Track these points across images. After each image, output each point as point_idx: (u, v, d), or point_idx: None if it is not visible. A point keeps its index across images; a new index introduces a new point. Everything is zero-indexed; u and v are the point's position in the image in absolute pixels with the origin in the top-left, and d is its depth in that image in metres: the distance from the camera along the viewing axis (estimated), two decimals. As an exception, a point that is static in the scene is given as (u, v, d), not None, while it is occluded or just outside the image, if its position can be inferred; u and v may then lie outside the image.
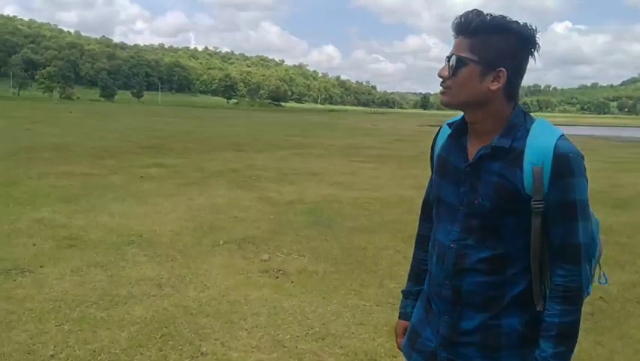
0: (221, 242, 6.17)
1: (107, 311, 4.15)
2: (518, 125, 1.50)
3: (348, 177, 11.88)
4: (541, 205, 1.44)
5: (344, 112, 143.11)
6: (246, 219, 7.42)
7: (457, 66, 1.46)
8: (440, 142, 1.69)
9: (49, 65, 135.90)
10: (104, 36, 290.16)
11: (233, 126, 31.93)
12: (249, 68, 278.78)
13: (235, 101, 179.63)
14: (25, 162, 11.68)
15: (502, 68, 1.45)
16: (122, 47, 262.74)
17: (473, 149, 1.54)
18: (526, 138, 1.46)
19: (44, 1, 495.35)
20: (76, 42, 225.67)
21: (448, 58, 1.49)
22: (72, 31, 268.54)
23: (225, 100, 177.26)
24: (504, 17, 1.45)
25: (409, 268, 1.89)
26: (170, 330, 3.89)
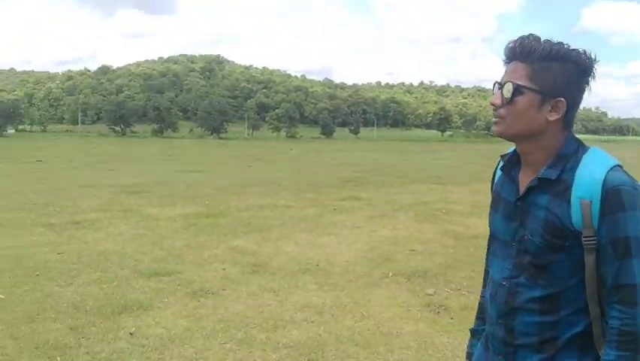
0: (390, 274, 6.24)
1: (267, 333, 4.48)
2: (569, 155, 1.42)
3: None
4: (593, 242, 1.34)
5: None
6: (423, 252, 7.38)
7: (514, 95, 1.39)
8: (496, 176, 1.64)
9: (278, 108, 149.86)
10: (326, 78, 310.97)
11: (439, 159, 31.81)
12: (464, 100, 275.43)
13: (450, 133, 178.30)
14: (237, 195, 13.03)
15: (561, 98, 1.38)
16: (342, 87, 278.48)
17: (525, 181, 1.47)
18: (577, 169, 1.38)
19: (276, 50, 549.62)
20: (302, 85, 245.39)
21: (501, 85, 1.42)
22: (299, 75, 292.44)
23: (440, 133, 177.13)
24: (563, 44, 1.39)
25: None
26: (317, 356, 4.07)
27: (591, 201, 1.32)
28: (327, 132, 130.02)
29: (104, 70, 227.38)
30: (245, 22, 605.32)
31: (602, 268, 1.35)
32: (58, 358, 3.97)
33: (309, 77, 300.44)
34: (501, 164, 1.59)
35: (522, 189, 1.47)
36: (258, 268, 6.47)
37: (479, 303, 1.81)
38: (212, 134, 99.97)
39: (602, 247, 1.33)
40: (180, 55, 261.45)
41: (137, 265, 6.48)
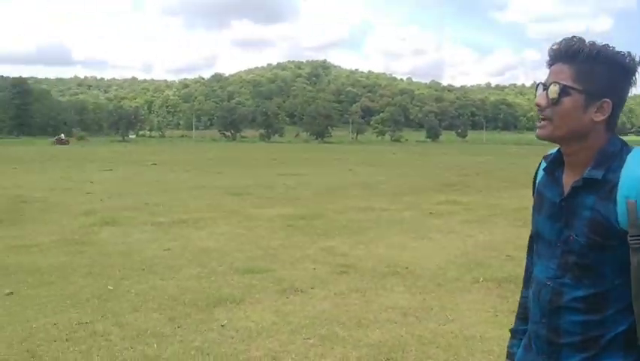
0: (481, 279, 6.11)
1: (350, 332, 4.57)
2: (614, 155, 1.40)
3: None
4: (638, 241, 1.32)
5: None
6: (517, 258, 7.13)
7: (560, 95, 1.39)
8: (539, 177, 1.63)
9: (382, 112, 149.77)
10: (433, 80, 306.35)
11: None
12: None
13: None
14: (335, 197, 13.26)
15: (607, 99, 1.38)
16: (450, 89, 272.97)
17: (569, 182, 1.47)
18: (622, 168, 1.37)
19: (382, 54, 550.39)
20: (408, 88, 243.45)
21: (545, 86, 1.43)
22: (404, 78, 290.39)
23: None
24: (608, 46, 1.39)
25: None
26: (397, 356, 4.10)
27: (636, 201, 1.32)
28: (433, 136, 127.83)
29: (217, 77, 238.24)
30: (351, 27, 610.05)
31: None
32: (155, 345, 4.29)
33: (415, 79, 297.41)
34: (544, 165, 1.59)
35: (566, 189, 1.46)
36: (347, 268, 6.58)
37: (519, 303, 1.79)
38: (317, 138, 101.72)
39: None
40: (288, 61, 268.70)
41: (234, 262, 6.82)
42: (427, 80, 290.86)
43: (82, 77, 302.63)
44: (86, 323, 4.70)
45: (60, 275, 6.20)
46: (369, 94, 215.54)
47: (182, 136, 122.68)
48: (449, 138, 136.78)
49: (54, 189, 15.18)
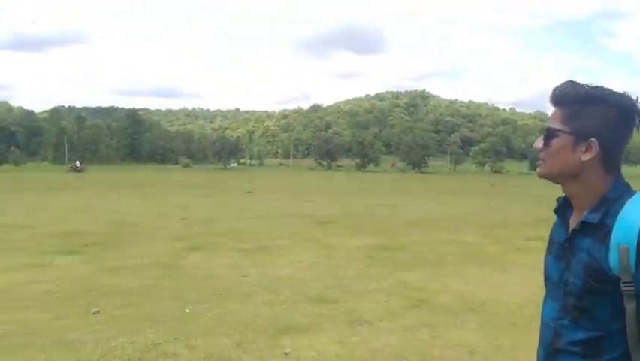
0: (561, 320, 5.81)
1: (412, 368, 4.50)
2: (613, 199, 1.40)
3: None
4: (631, 288, 1.31)
5: None
6: (606, 299, 6.72)
7: (548, 137, 1.46)
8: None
9: (483, 142, 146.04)
10: (538, 110, 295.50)
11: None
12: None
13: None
14: (421, 229, 13.09)
15: (593, 139, 1.39)
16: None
17: (574, 224, 1.48)
18: (619, 214, 1.37)
19: (483, 83, 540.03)
20: (510, 118, 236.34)
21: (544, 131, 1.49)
22: (507, 108, 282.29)
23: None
24: (601, 88, 1.42)
25: None
26: (456, 395, 3.99)
27: (629, 247, 1.30)
28: (536, 167, 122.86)
29: (315, 108, 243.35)
30: (452, 57, 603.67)
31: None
32: (220, 368, 4.44)
33: (519, 109, 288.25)
34: (555, 206, 1.60)
35: (570, 230, 1.48)
36: (420, 302, 6.48)
37: None
38: (413, 168, 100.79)
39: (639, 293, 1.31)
40: (386, 91, 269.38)
41: (307, 291, 6.91)
42: (532, 110, 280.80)
43: (189, 108, 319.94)
44: (159, 343, 4.95)
45: (144, 297, 6.56)
46: (469, 124, 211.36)
47: (280, 165, 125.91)
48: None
49: (152, 214, 16.09)
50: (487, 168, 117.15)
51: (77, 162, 66.47)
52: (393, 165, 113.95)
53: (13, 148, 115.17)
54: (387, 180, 54.67)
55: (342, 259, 9.12)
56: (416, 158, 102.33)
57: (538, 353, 1.60)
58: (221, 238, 11.25)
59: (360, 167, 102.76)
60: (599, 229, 1.38)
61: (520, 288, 7.26)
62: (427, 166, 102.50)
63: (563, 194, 1.56)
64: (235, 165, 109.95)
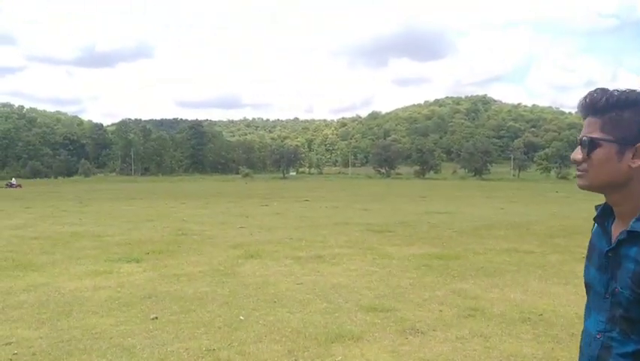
0: (623, 332, 5.59)
1: (463, 378, 4.43)
2: None
3: None
4: None
5: None
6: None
7: (590, 148, 1.41)
8: (594, 226, 1.61)
9: (548, 147, 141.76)
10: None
11: None
12: None
13: None
14: (479, 238, 12.82)
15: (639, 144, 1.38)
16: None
17: (616, 232, 1.46)
18: None
19: (548, 87, 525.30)
20: (577, 122, 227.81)
21: (580, 140, 1.45)
22: (573, 112, 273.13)
23: None
24: (633, 91, 1.40)
25: None
26: (508, 408, 3.90)
27: None
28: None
29: (374, 115, 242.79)
30: (515, 60, 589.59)
31: None
32: (270, 375, 4.51)
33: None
34: (595, 214, 1.57)
35: (614, 240, 1.44)
36: (475, 312, 6.36)
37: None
38: (475, 175, 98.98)
39: None
40: (446, 97, 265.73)
41: (361, 300, 6.91)
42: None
43: (250, 118, 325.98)
44: (213, 349, 5.07)
45: (200, 303, 6.74)
46: (533, 129, 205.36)
47: (339, 173, 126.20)
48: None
49: (212, 222, 16.49)
50: (552, 174, 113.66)
51: (13, 180, 67.75)
52: (454, 171, 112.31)
53: (83, 160, 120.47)
54: (446, 187, 53.92)
55: (396, 267, 9.07)
56: (477, 164, 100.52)
57: None
58: (277, 245, 11.41)
59: (420, 174, 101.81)
60: None
61: (581, 299, 6.97)
62: (489, 172, 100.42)
63: (604, 201, 1.53)
64: (294, 173, 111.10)
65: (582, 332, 1.62)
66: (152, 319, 6.06)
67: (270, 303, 6.78)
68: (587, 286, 1.56)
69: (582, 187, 1.47)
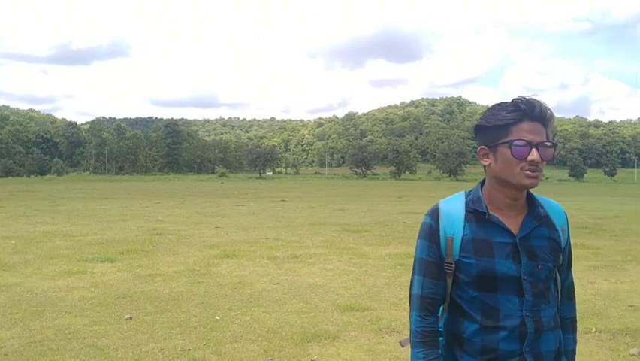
0: (594, 330, 5.70)
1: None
2: (531, 195, 1.75)
3: None
4: (563, 258, 1.75)
5: None
6: (642, 309, 6.56)
7: (550, 152, 1.66)
8: (450, 224, 1.71)
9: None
10: (577, 116, 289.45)
11: None
12: None
13: None
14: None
15: None
16: (597, 125, 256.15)
17: (511, 223, 1.67)
18: (543, 205, 1.72)
19: (522, 89, 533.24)
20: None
21: (537, 146, 1.61)
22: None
23: None
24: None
25: None
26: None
27: (564, 228, 1.75)
28: (577, 174, 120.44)
29: (350, 116, 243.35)
30: (489, 63, 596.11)
31: (562, 275, 1.78)
32: (246, 374, 4.50)
33: (558, 115, 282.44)
34: (463, 213, 1.71)
35: (514, 229, 1.66)
36: (450, 311, 6.42)
37: (428, 332, 1.75)
38: (449, 175, 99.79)
39: (564, 259, 1.75)
40: (421, 99, 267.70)
41: (337, 299, 6.93)
42: (571, 116, 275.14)
43: (226, 117, 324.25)
44: (189, 350, 5.04)
45: (175, 303, 6.68)
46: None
47: (315, 173, 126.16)
48: (596, 176, 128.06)
49: (187, 222, 16.37)
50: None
51: None
52: (429, 172, 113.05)
53: (56, 159, 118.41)
54: (422, 187, 54.30)
55: (372, 267, 9.11)
56: (452, 165, 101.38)
57: (499, 352, 1.62)
58: (253, 245, 11.37)
59: (396, 174, 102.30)
60: (545, 219, 1.69)
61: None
62: (464, 173, 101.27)
63: (472, 200, 1.72)
64: (271, 173, 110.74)
65: (483, 329, 1.66)
66: (127, 319, 5.99)
67: (246, 303, 6.76)
68: (491, 277, 1.63)
69: (534, 186, 1.65)
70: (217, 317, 6.11)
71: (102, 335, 5.43)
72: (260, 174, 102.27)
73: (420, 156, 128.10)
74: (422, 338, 1.71)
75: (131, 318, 6.03)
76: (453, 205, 1.74)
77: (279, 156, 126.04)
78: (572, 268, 1.83)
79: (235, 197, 33.04)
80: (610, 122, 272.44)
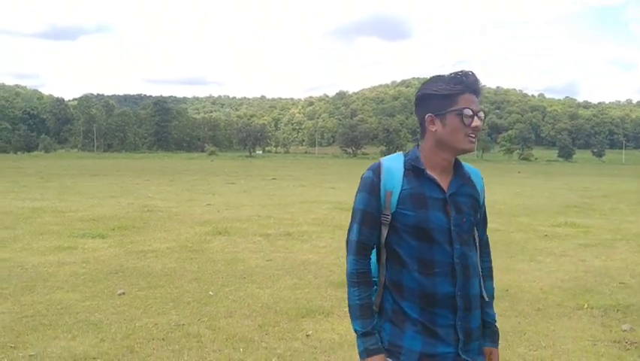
0: (585, 306, 5.74)
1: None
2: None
3: None
4: (480, 215, 1.96)
5: None
6: (632, 286, 6.62)
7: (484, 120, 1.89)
8: (390, 179, 1.82)
9: (511, 128, 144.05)
10: (567, 97, 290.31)
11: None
12: None
13: None
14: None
15: None
16: (586, 105, 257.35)
17: (445, 180, 1.85)
18: (464, 167, 1.91)
19: (512, 69, 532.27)
20: (539, 105, 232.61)
21: (477, 113, 1.81)
22: (536, 94, 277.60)
23: None
24: None
25: None
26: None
27: (483, 188, 1.97)
28: (566, 155, 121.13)
29: (341, 95, 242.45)
30: (480, 43, 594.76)
31: (480, 231, 1.97)
32: (241, 349, 4.49)
33: (548, 95, 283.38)
34: (402, 170, 1.83)
35: (445, 185, 1.83)
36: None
37: (363, 304, 1.84)
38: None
39: (482, 214, 1.98)
40: (412, 78, 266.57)
41: (330, 276, 6.94)
42: (562, 97, 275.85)
43: (216, 95, 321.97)
44: (183, 324, 5.02)
45: (168, 279, 6.66)
46: (497, 110, 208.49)
47: (305, 152, 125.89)
48: (584, 157, 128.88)
49: (178, 200, 16.29)
50: (515, 155, 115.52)
51: None
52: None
53: (43, 135, 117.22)
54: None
55: (365, 244, 9.11)
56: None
57: (436, 300, 1.77)
58: (245, 223, 11.34)
59: (386, 154, 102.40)
60: (468, 180, 1.89)
61: (546, 275, 7.19)
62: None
63: (411, 159, 1.85)
64: (261, 152, 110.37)
65: (420, 276, 1.79)
66: (120, 294, 5.96)
67: (240, 279, 6.74)
68: (425, 228, 1.78)
69: (473, 150, 1.87)
70: (211, 293, 6.10)
71: (95, 310, 5.39)
72: (250, 153, 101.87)
73: (410, 136, 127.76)
74: (357, 278, 1.84)
75: (123, 293, 5.99)
76: (394, 163, 1.86)
77: (269, 134, 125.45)
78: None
79: (225, 175, 32.93)
80: (599, 103, 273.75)
